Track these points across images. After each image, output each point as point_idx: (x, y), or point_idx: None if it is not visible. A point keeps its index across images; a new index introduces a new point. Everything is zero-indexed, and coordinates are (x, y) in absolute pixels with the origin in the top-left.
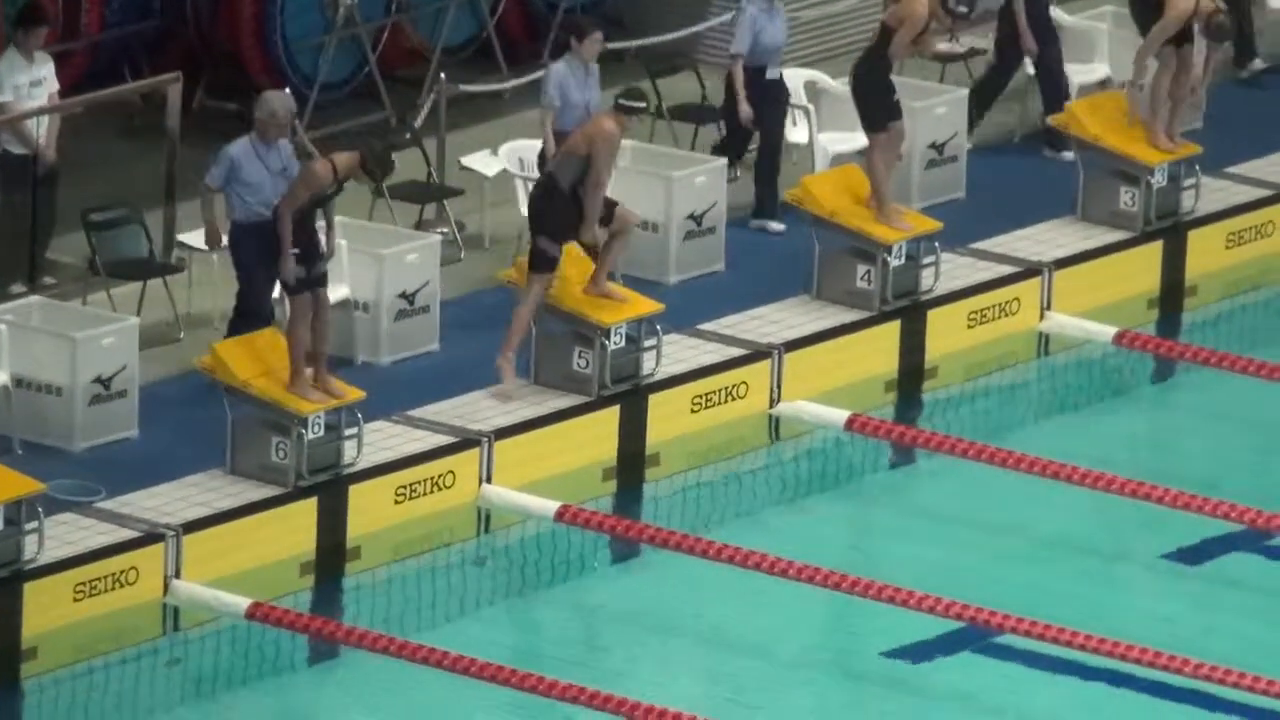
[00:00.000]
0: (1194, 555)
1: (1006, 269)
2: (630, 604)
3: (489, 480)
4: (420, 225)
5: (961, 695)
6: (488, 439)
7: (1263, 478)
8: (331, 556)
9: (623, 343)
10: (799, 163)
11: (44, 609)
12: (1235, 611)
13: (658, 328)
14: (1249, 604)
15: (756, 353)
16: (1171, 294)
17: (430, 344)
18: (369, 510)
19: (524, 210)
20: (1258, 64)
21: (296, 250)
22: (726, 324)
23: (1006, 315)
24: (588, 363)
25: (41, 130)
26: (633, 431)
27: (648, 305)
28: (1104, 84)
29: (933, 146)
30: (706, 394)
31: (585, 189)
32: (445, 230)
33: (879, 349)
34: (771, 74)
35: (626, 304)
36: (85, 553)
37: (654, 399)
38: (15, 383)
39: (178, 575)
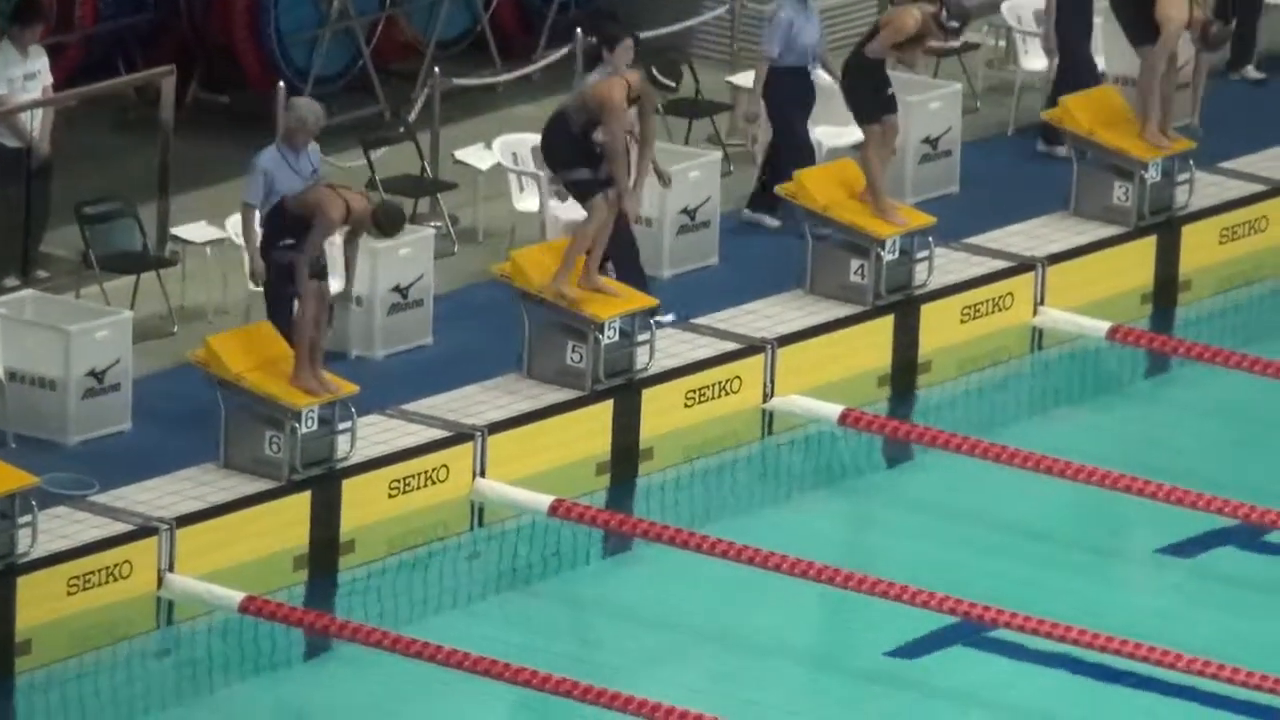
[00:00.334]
0: (1187, 550)
1: (1000, 264)
2: (623, 598)
3: (483, 474)
4: (414, 219)
5: (954, 690)
6: (481, 433)
7: (1256, 473)
8: (325, 550)
9: (616, 337)
10: None
11: (37, 603)
12: (1228, 606)
13: (652, 322)
14: (1242, 599)
15: (750, 347)
16: (1165, 289)
17: (424, 338)
18: (363, 504)
19: (517, 205)
20: (1250, 72)
21: (290, 241)
22: (720, 318)
23: (1000, 310)
24: (581, 357)
25: (35, 123)
26: (626, 426)
27: (641, 299)
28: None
29: (926, 141)
30: (700, 388)
31: (606, 154)
32: (439, 224)
33: (873, 343)
34: (810, 72)
35: (619, 298)
36: (79, 546)
37: (647, 393)
38: (8, 376)
39: (171, 569)
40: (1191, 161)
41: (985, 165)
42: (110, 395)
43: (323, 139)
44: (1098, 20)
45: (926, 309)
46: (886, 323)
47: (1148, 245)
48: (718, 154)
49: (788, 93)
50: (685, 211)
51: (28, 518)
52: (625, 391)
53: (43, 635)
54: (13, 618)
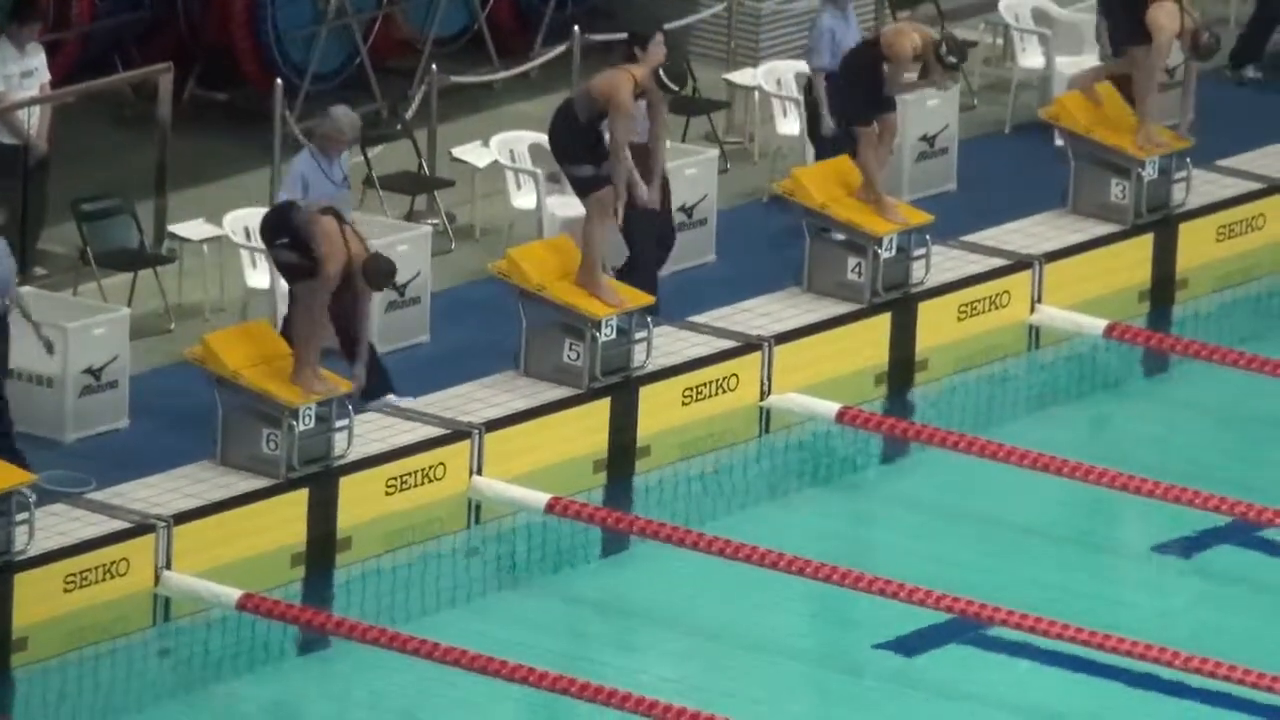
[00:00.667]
0: (1184, 548)
1: (997, 262)
2: (620, 596)
3: (479, 472)
4: (411, 216)
5: (951, 687)
6: (478, 431)
7: (1253, 471)
8: (322, 548)
9: (613, 335)
10: (789, 155)
11: (35, 600)
12: (1225, 604)
13: (649, 320)
14: (1238, 597)
15: (747, 345)
16: (1162, 287)
17: (421, 335)
18: (360, 502)
19: (514, 202)
20: (1250, 72)
21: (285, 240)
22: (717, 316)
23: (997, 308)
24: (578, 355)
25: (33, 120)
26: (623, 424)
27: (639, 297)
28: None
29: (924, 139)
30: (697, 386)
31: (609, 151)
32: (436, 221)
33: (869, 341)
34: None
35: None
36: (76, 544)
37: (645, 391)
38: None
39: (169, 566)
40: (1189, 160)
41: (982, 163)
42: (107, 392)
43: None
44: (1093, 19)
45: (923, 307)
46: (883, 320)
47: (1145, 243)
48: (714, 152)
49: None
50: (683, 209)
51: (25, 515)
52: (622, 389)
53: (40, 632)
54: (10, 615)
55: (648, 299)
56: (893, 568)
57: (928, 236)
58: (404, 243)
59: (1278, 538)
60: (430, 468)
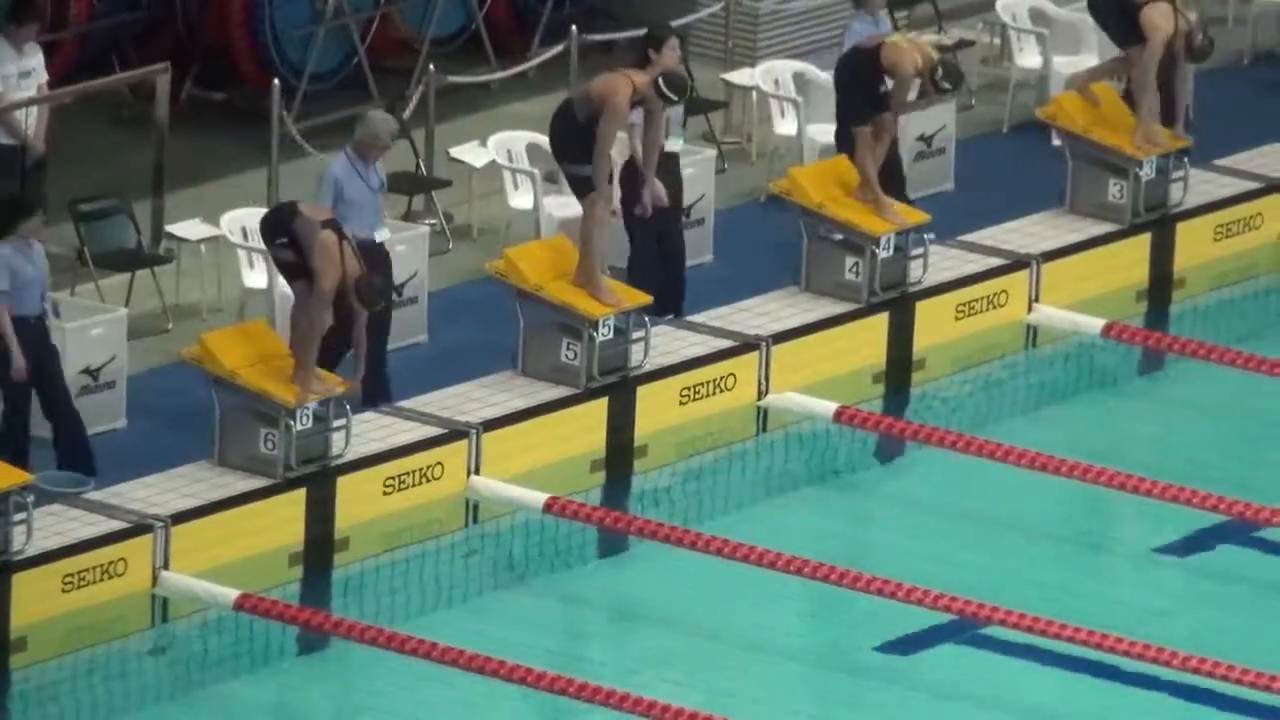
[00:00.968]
0: (1183, 548)
1: (995, 261)
2: (618, 595)
3: (477, 472)
4: (408, 216)
5: (950, 687)
6: (476, 430)
7: (1251, 470)
8: (320, 548)
9: (611, 334)
10: (787, 155)
11: (32, 600)
12: (1224, 604)
13: (646, 319)
14: (1237, 596)
15: (745, 344)
16: (1160, 286)
17: (418, 335)
18: (357, 501)
19: (511, 202)
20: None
21: (284, 240)
22: (715, 316)
23: (995, 307)
24: (576, 354)
25: (30, 121)
26: (621, 423)
27: (636, 297)
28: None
29: (921, 139)
30: (695, 386)
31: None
32: (433, 221)
33: (867, 341)
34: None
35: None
36: (74, 544)
37: (642, 391)
38: None
39: (166, 566)
40: (1186, 159)
41: (980, 163)
42: (105, 392)
43: (317, 137)
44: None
45: (921, 306)
46: (881, 320)
47: (1142, 242)
48: (712, 152)
49: None
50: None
51: (22, 515)
52: (620, 389)
53: (37, 633)
54: (7, 615)
55: (645, 298)
56: (891, 567)
57: (925, 236)
58: (401, 242)
59: (1276, 537)
60: (428, 467)
